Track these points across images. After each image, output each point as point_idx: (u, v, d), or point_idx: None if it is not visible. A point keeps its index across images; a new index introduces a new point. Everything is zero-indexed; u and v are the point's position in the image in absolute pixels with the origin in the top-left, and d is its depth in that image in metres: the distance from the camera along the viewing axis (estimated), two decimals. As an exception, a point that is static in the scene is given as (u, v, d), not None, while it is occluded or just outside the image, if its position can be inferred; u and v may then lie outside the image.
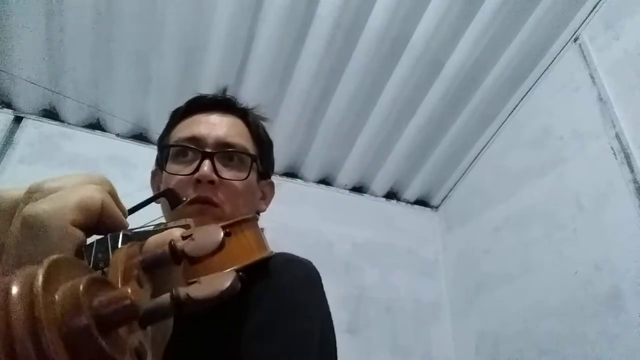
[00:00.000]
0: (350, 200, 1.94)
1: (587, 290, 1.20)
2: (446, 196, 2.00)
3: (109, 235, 0.28)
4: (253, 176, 0.67)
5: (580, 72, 1.39)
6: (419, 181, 1.95)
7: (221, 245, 0.26)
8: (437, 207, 2.05)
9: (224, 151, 0.64)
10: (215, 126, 0.66)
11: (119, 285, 0.22)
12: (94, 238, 0.30)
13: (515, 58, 1.53)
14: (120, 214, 0.31)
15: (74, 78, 1.52)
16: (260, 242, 0.55)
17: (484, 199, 1.74)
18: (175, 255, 0.25)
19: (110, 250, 0.26)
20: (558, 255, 1.32)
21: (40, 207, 0.27)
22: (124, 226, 0.31)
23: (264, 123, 0.75)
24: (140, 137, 1.72)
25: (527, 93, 1.62)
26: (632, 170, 1.16)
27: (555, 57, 1.51)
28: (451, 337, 1.74)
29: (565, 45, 1.48)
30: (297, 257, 0.63)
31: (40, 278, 0.18)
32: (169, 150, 0.66)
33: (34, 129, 1.59)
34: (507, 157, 1.67)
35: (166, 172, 0.64)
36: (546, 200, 1.42)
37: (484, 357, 1.55)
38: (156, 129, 1.68)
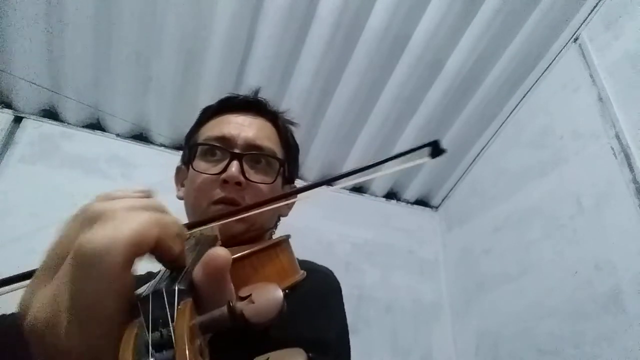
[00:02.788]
0: (350, 200, 1.94)
1: (587, 290, 1.19)
2: (446, 196, 2.00)
3: (164, 290, 0.25)
4: (279, 181, 0.67)
5: (580, 72, 1.39)
6: (419, 181, 1.96)
7: (282, 310, 0.25)
8: (437, 207, 2.05)
9: (252, 153, 0.64)
10: (245, 127, 0.66)
11: (187, 356, 0.20)
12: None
13: (515, 58, 1.53)
14: (176, 249, 0.29)
15: (74, 78, 1.51)
16: (294, 264, 0.56)
17: (484, 199, 1.74)
18: (234, 319, 0.24)
19: (167, 308, 0.24)
20: (558, 255, 1.32)
21: (94, 238, 0.25)
22: (179, 262, 0.29)
23: (292, 128, 0.75)
24: (140, 137, 1.72)
25: (527, 93, 1.62)
26: (632, 170, 1.16)
27: (555, 57, 1.51)
28: (451, 337, 1.74)
29: (565, 45, 1.48)
30: (318, 267, 0.63)
31: None
32: (197, 148, 0.65)
33: (34, 129, 1.59)
34: (507, 157, 1.67)
35: (193, 169, 0.64)
36: (546, 200, 1.42)
37: (484, 357, 1.55)
38: (156, 129, 1.68)
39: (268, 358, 0.22)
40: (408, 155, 0.49)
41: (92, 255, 0.24)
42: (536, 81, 1.58)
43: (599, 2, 1.37)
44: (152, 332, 0.22)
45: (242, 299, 0.25)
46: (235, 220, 0.60)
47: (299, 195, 0.51)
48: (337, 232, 1.81)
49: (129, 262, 0.25)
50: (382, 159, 0.46)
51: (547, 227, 1.39)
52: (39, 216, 1.30)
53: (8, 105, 1.59)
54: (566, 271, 1.27)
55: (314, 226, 1.77)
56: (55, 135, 1.60)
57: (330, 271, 0.65)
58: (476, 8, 1.41)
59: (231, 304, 0.24)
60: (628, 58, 1.24)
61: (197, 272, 0.27)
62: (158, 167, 1.47)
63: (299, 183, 2.09)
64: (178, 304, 0.24)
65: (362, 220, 1.89)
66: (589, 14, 1.40)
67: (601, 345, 1.12)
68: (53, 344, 0.24)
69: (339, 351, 0.56)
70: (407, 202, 2.03)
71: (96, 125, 1.68)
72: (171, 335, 0.22)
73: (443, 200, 2.02)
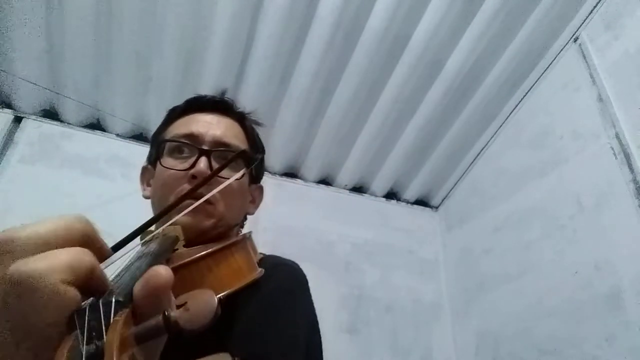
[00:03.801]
0: (350, 200, 1.94)
1: (587, 290, 1.20)
2: (446, 196, 2.00)
3: (101, 303, 0.25)
4: (246, 179, 0.67)
5: (580, 72, 1.39)
6: (419, 181, 1.96)
7: (216, 315, 0.25)
8: (437, 207, 2.05)
9: (221, 150, 0.64)
10: (213, 125, 0.67)
11: None
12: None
13: (515, 58, 1.53)
14: (107, 278, 0.29)
15: (74, 78, 1.52)
16: (251, 263, 0.56)
17: (484, 199, 1.74)
18: (169, 328, 0.24)
19: (103, 320, 0.24)
20: (558, 255, 1.32)
21: (28, 267, 0.24)
22: (107, 289, 0.28)
23: (259, 128, 0.75)
24: (140, 137, 1.72)
25: (527, 93, 1.62)
26: (632, 170, 1.16)
27: (555, 57, 1.51)
28: (451, 337, 1.74)
29: (565, 45, 1.48)
30: (284, 260, 0.64)
31: None
32: (164, 145, 0.66)
33: (34, 129, 1.59)
34: (507, 157, 1.67)
35: (161, 165, 0.64)
36: (546, 200, 1.42)
37: (484, 357, 1.55)
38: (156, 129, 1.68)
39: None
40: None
41: (29, 278, 0.24)
42: (536, 81, 1.58)
43: (599, 2, 1.37)
44: (87, 345, 0.23)
45: (178, 307, 0.26)
46: (204, 215, 0.60)
47: None
48: (337, 232, 1.80)
49: (68, 284, 0.25)
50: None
51: (547, 227, 1.39)
52: (39, 216, 1.29)
53: (8, 105, 1.59)
54: (566, 271, 1.27)
55: (314, 226, 1.77)
56: (55, 135, 1.60)
57: (296, 264, 0.65)
58: (476, 8, 1.41)
59: (166, 314, 0.24)
60: (628, 58, 1.24)
61: (137, 287, 0.27)
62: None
63: (299, 183, 2.10)
64: (114, 316, 0.25)
65: (362, 220, 1.89)
66: (589, 14, 1.40)
67: (601, 345, 1.12)
68: None
69: (309, 344, 0.56)
70: (407, 202, 2.03)
71: (96, 125, 1.68)
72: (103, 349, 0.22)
73: (443, 200, 2.02)
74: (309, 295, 0.63)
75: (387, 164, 1.87)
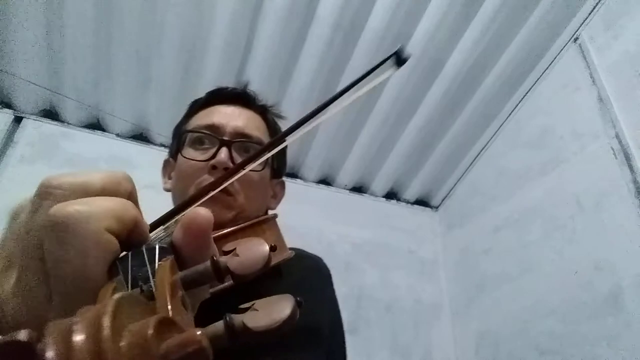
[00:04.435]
0: (350, 200, 1.94)
1: (587, 290, 1.20)
2: (446, 196, 2.00)
3: (144, 248, 0.24)
4: (267, 172, 0.67)
5: (580, 72, 1.39)
6: (419, 181, 1.95)
7: (268, 262, 0.24)
8: (437, 207, 2.05)
9: (241, 141, 0.64)
10: (235, 117, 0.66)
11: (169, 308, 0.19)
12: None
13: (515, 58, 1.53)
14: (148, 233, 0.28)
15: (74, 78, 1.52)
16: (281, 241, 0.55)
17: (484, 199, 1.74)
18: (218, 272, 0.23)
19: (148, 265, 0.23)
20: (558, 255, 1.32)
21: (74, 208, 0.23)
22: (147, 242, 0.27)
23: (280, 121, 0.75)
24: (140, 137, 1.72)
25: (527, 93, 1.62)
26: (632, 170, 1.16)
27: (555, 57, 1.51)
28: (451, 337, 1.74)
29: (565, 45, 1.48)
30: (308, 253, 0.63)
31: (107, 323, 0.16)
32: (185, 136, 0.65)
33: (34, 129, 1.59)
34: (507, 157, 1.67)
35: (182, 155, 0.64)
36: (546, 200, 1.42)
37: (484, 357, 1.55)
38: (156, 129, 1.68)
39: (254, 304, 0.21)
40: (373, 74, 0.47)
41: (72, 221, 0.23)
42: (536, 81, 1.58)
43: (599, 2, 1.37)
44: (131, 289, 0.22)
45: (226, 253, 0.24)
46: (224, 206, 0.59)
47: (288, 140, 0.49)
48: (337, 232, 1.81)
49: (110, 231, 0.24)
50: (346, 86, 0.44)
51: (547, 227, 1.39)
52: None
53: (8, 105, 1.59)
54: (566, 271, 1.27)
55: (314, 226, 1.77)
56: (55, 135, 1.60)
57: (320, 258, 0.65)
58: (476, 8, 1.41)
59: (215, 258, 0.23)
60: (628, 58, 1.24)
61: (177, 233, 0.26)
62: (158, 167, 1.47)
63: (299, 183, 2.09)
64: (159, 261, 0.23)
65: (362, 220, 1.89)
66: (589, 14, 1.40)
67: (601, 345, 1.12)
68: (29, 320, 0.23)
69: (332, 338, 0.56)
70: (407, 202, 2.03)
71: (96, 125, 1.68)
72: (152, 290, 0.21)
73: (443, 200, 2.02)
74: (333, 290, 0.63)
75: (387, 164, 1.87)
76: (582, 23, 1.42)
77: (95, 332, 0.16)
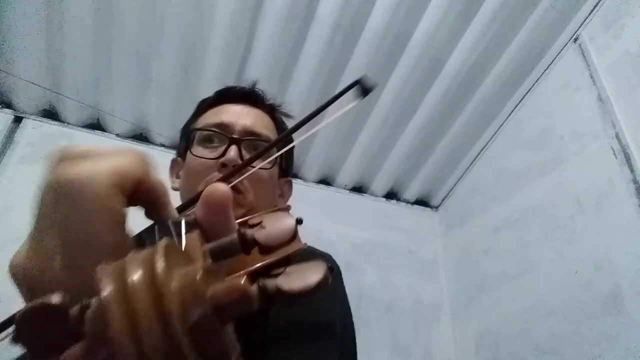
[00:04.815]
0: (350, 200, 1.94)
1: (587, 290, 1.19)
2: (446, 196, 2.00)
3: (170, 221, 0.24)
4: (275, 170, 0.67)
5: (580, 72, 1.39)
6: (419, 181, 1.95)
7: (295, 234, 0.24)
8: (437, 207, 2.05)
9: (250, 139, 0.64)
10: (244, 116, 0.67)
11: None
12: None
13: (515, 58, 1.53)
14: (161, 185, 0.27)
15: (74, 78, 1.52)
16: (295, 232, 0.54)
17: (484, 199, 1.74)
18: (245, 244, 0.23)
19: (175, 238, 0.23)
20: (558, 255, 1.32)
21: (74, 170, 0.23)
22: (164, 198, 0.27)
23: (288, 120, 0.76)
24: (140, 137, 1.72)
25: (527, 93, 1.62)
26: (632, 170, 1.16)
27: (555, 57, 1.51)
28: (451, 337, 1.74)
29: (565, 45, 1.48)
30: (318, 250, 0.63)
31: (161, 263, 0.17)
32: (194, 134, 0.65)
33: (34, 129, 1.59)
34: (507, 157, 1.67)
35: (192, 153, 0.64)
36: (546, 200, 1.42)
37: (484, 357, 1.55)
38: (156, 129, 1.68)
39: (286, 269, 0.22)
40: (338, 102, 0.47)
41: (72, 184, 0.23)
42: (536, 81, 1.58)
43: (599, 2, 1.37)
44: None
45: (252, 226, 0.25)
46: (233, 204, 0.59)
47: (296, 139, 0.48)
48: (337, 232, 1.80)
49: (114, 190, 0.23)
50: (311, 113, 0.44)
51: (547, 227, 1.39)
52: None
53: (8, 105, 1.59)
54: (566, 271, 1.27)
55: (314, 226, 1.76)
56: (55, 135, 1.60)
57: (330, 255, 0.65)
58: (476, 8, 1.41)
59: (241, 231, 0.23)
60: (628, 58, 1.24)
61: (198, 209, 0.26)
62: (158, 167, 1.47)
63: (299, 183, 2.09)
64: (185, 234, 0.23)
65: (362, 220, 1.89)
66: (589, 14, 1.40)
67: (601, 345, 1.12)
68: (47, 289, 0.23)
69: (343, 333, 0.56)
70: (407, 202, 2.03)
71: (96, 125, 1.68)
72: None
73: (443, 200, 2.02)
74: (343, 287, 0.63)
75: (387, 164, 1.87)
76: (582, 23, 1.42)
77: (150, 270, 0.16)
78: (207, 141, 0.64)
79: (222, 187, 0.26)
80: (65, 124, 1.64)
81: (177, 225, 0.24)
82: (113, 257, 0.19)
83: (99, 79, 1.54)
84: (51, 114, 1.64)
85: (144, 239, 0.23)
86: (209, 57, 1.47)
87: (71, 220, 0.23)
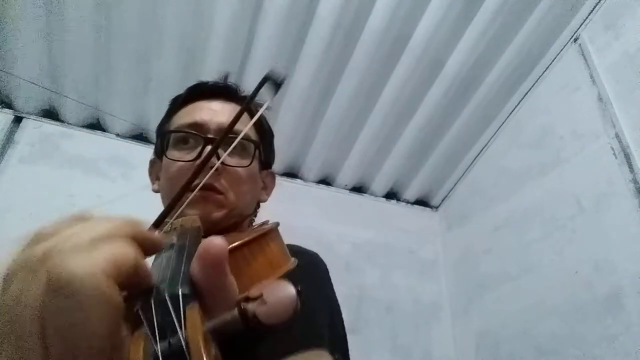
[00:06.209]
0: (350, 200, 1.94)
1: (587, 290, 1.19)
2: (446, 196, 2.00)
3: (167, 296, 0.23)
4: (255, 165, 0.66)
5: (580, 72, 1.39)
6: (419, 181, 1.95)
7: (297, 308, 0.23)
8: (437, 207, 2.05)
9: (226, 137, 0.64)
10: (218, 113, 0.65)
11: None
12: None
13: (515, 58, 1.53)
14: (151, 273, 0.26)
15: (74, 78, 1.51)
16: (285, 252, 0.55)
17: (484, 199, 1.74)
18: (247, 322, 0.22)
19: (173, 314, 0.22)
20: (558, 255, 1.32)
21: (70, 264, 0.21)
22: (152, 284, 0.26)
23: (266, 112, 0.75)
24: (140, 137, 1.72)
25: (527, 93, 1.62)
26: (632, 170, 1.16)
27: (555, 57, 1.51)
28: (451, 337, 1.74)
29: (565, 45, 1.48)
30: (304, 249, 0.62)
31: None
32: (169, 136, 0.64)
33: (34, 129, 1.59)
34: (507, 157, 1.67)
35: (167, 157, 0.63)
36: (546, 200, 1.42)
37: (484, 357, 1.55)
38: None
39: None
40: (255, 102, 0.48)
41: (72, 280, 0.21)
42: (536, 81, 1.58)
43: (599, 2, 1.37)
44: (161, 341, 0.21)
45: (253, 299, 0.24)
46: (215, 205, 0.58)
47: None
48: (337, 232, 1.81)
49: (112, 282, 0.22)
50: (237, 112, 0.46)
51: (547, 227, 1.39)
52: (39, 216, 1.30)
53: (8, 105, 1.59)
54: (566, 271, 1.27)
55: (314, 226, 1.77)
56: (55, 135, 1.60)
57: (316, 254, 0.64)
58: (476, 8, 1.41)
59: (242, 307, 0.23)
60: (628, 58, 1.24)
61: (194, 268, 0.25)
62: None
63: (299, 183, 2.09)
64: (184, 310, 0.23)
65: (362, 220, 1.89)
66: (589, 14, 1.40)
67: (601, 345, 1.12)
68: None
69: (332, 334, 0.55)
70: (407, 202, 2.03)
71: (96, 125, 1.68)
72: (181, 345, 0.20)
73: (443, 200, 2.02)
74: (331, 285, 0.62)
75: (387, 164, 1.87)
76: (582, 23, 1.42)
77: None
78: (182, 142, 0.63)
79: (218, 241, 0.26)
80: (65, 124, 1.64)
81: (174, 299, 0.23)
82: (115, 355, 0.19)
83: (99, 79, 1.54)
84: (51, 114, 1.64)
85: (139, 317, 0.22)
86: (209, 57, 1.47)
87: (73, 319, 0.21)
